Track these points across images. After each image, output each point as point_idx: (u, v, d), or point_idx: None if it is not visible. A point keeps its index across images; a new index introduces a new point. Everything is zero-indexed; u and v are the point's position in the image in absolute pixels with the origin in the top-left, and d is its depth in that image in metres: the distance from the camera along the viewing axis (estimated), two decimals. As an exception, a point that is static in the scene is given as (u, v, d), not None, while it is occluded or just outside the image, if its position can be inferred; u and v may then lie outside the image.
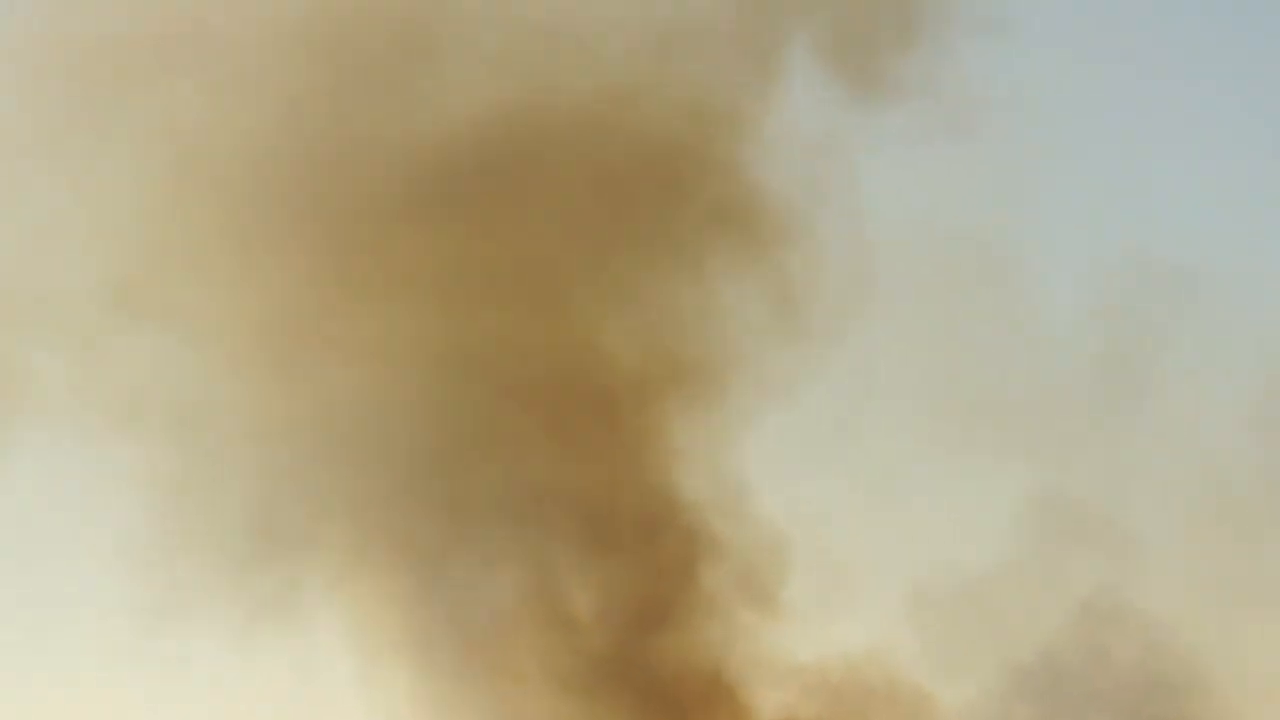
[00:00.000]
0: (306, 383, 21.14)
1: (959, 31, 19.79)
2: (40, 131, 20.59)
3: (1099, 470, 23.74)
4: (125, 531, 20.61)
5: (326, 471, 20.62)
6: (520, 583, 20.60)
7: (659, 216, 21.29)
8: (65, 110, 20.63)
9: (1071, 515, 23.57)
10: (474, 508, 20.83)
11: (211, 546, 20.71)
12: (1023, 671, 23.11)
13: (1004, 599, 23.20)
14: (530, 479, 20.68)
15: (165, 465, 20.73)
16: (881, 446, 21.35)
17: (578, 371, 21.08)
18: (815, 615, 21.24)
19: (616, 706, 21.21)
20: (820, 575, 20.90)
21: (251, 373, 20.86)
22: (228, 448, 21.14)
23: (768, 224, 20.56)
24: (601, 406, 21.14)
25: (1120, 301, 22.61)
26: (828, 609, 21.40)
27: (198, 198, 21.08)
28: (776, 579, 20.79)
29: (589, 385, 21.11)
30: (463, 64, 21.25)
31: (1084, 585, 23.56)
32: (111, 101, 20.32)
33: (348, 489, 20.51)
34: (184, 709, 24.68)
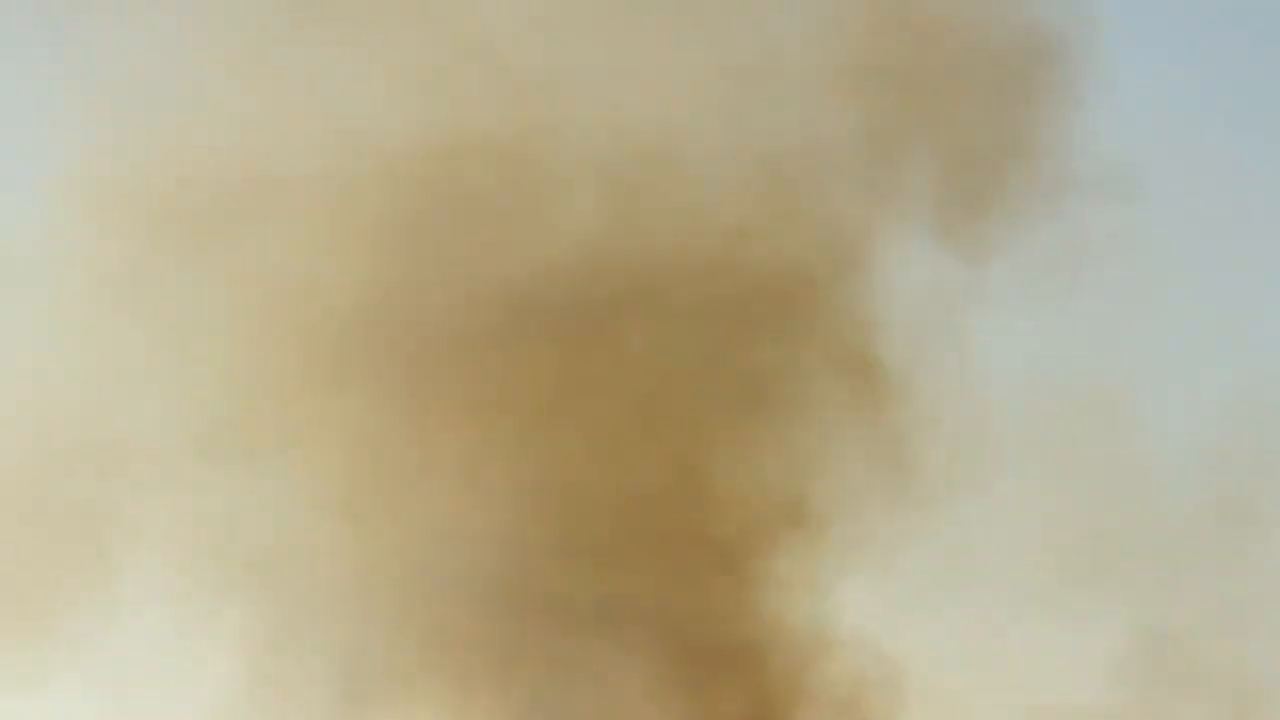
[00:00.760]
0: (402, 522, 21.42)
1: (1076, 188, 20.19)
2: (125, 276, 20.95)
3: (1212, 613, 23.88)
4: (225, 682, 20.76)
5: (424, 611, 20.81)
6: (621, 712, 20.76)
7: (768, 359, 21.46)
8: (151, 254, 20.99)
9: (1184, 659, 23.66)
10: (575, 640, 20.98)
11: (308, 697, 20.90)
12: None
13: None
14: (633, 610, 20.81)
15: (259, 613, 20.97)
16: (993, 593, 21.53)
17: (684, 509, 21.26)
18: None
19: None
20: (925, 714, 21.06)
21: (344, 513, 21.14)
22: (321, 592, 21.37)
23: (882, 376, 20.65)
24: (708, 545, 21.35)
25: (1231, 441, 22.83)
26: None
27: (282, 339, 21.47)
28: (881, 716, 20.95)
29: (694, 523, 21.29)
30: (567, 195, 21.44)
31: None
32: (196, 244, 20.65)
33: (447, 628, 20.63)
34: None
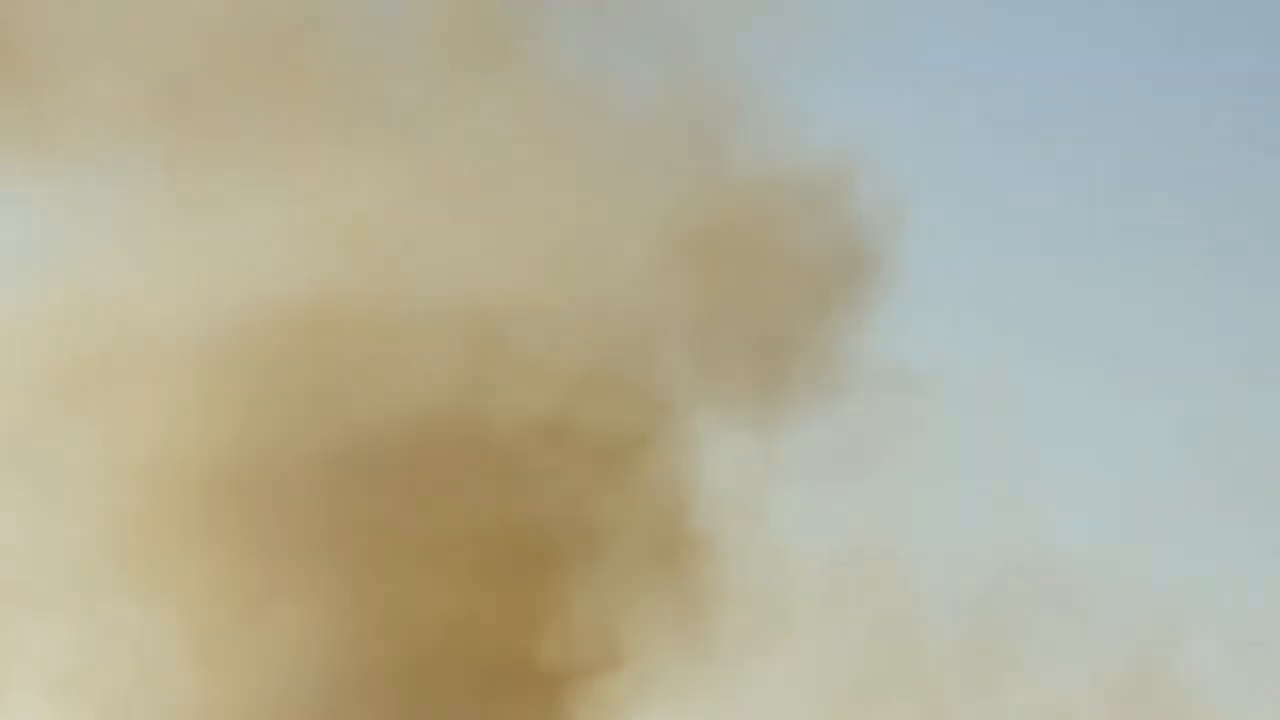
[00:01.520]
0: (251, 653, 23.17)
1: (868, 379, 23.11)
2: (5, 425, 22.48)
3: None
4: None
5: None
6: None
7: (591, 515, 23.73)
8: (28, 405, 22.60)
9: None
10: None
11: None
12: None
13: None
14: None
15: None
16: None
17: (506, 640, 23.58)
18: None
19: None
20: None
21: (200, 646, 22.87)
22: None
23: (689, 539, 23.01)
24: (527, 675, 23.61)
25: (991, 601, 26.19)
26: None
27: (150, 487, 23.14)
28: None
29: (516, 653, 23.57)
30: (414, 358, 23.42)
31: None
32: (70, 397, 22.24)
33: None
34: None
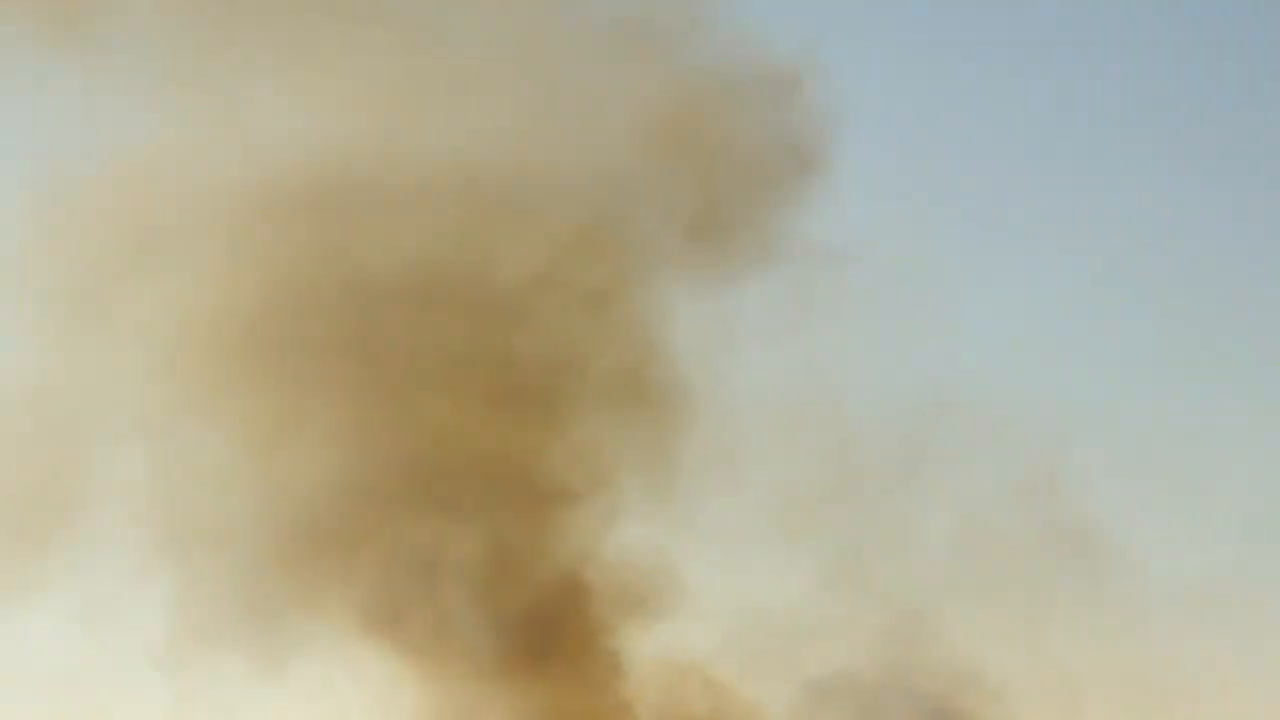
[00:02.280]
0: (287, 474, 26.93)
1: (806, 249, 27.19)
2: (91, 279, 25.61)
3: (885, 541, 32.37)
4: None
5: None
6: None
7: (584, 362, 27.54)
8: (104, 263, 26.06)
9: (861, 576, 32.20)
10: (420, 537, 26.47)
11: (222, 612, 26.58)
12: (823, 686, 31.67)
13: (817, 628, 31.48)
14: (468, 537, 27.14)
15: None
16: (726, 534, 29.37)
17: (509, 469, 27.54)
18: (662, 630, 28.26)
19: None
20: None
21: (258, 462, 26.59)
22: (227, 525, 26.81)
23: (653, 382, 26.85)
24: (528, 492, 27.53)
25: (913, 424, 31.02)
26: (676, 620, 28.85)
27: (201, 337, 26.59)
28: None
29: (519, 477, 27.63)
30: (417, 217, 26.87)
31: (884, 616, 32.10)
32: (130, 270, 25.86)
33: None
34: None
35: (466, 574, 27.46)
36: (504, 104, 26.37)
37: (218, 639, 27.72)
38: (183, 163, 26.82)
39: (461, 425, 28.80)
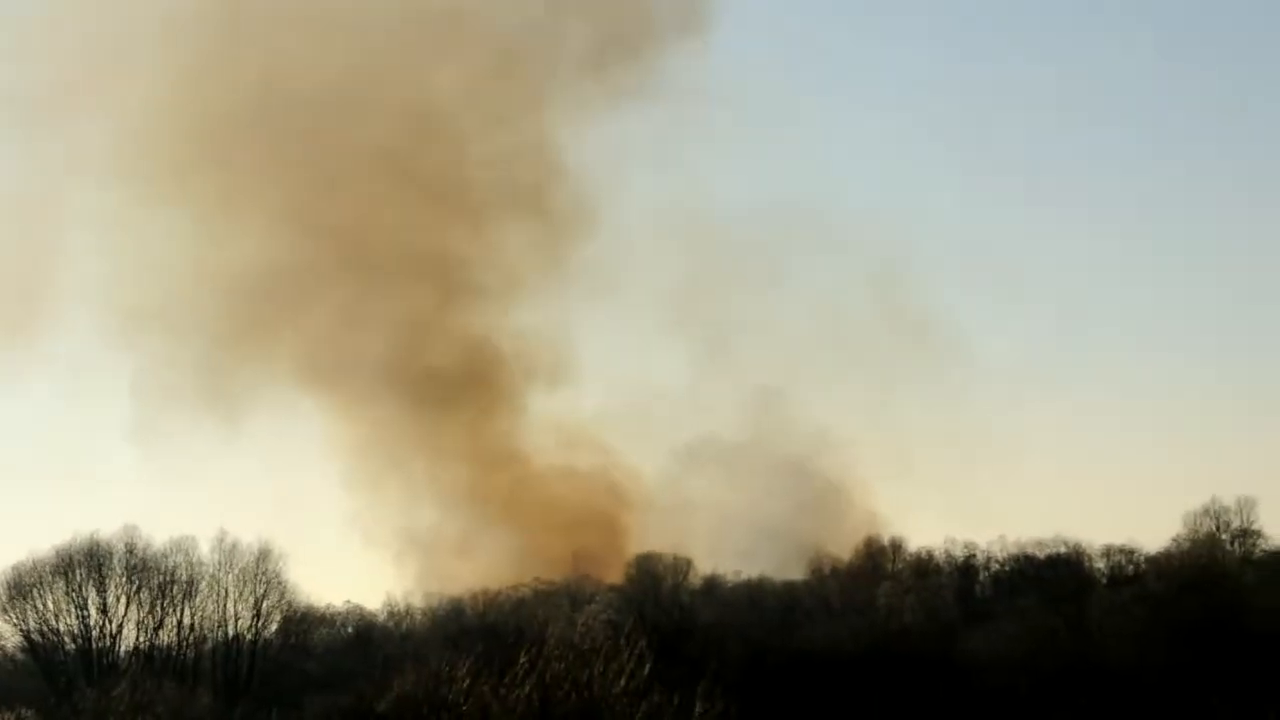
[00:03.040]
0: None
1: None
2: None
3: (759, 313, 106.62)
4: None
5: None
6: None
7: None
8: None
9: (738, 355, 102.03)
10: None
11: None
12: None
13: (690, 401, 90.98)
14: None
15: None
16: (628, 313, 46.03)
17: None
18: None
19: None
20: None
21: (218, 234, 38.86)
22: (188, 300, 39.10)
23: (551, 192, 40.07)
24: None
25: (776, 216, 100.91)
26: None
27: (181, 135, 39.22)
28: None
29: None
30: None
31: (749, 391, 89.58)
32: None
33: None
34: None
35: (390, 335, 39.41)
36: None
37: (179, 406, 38.17)
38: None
39: (390, 216, 42.66)
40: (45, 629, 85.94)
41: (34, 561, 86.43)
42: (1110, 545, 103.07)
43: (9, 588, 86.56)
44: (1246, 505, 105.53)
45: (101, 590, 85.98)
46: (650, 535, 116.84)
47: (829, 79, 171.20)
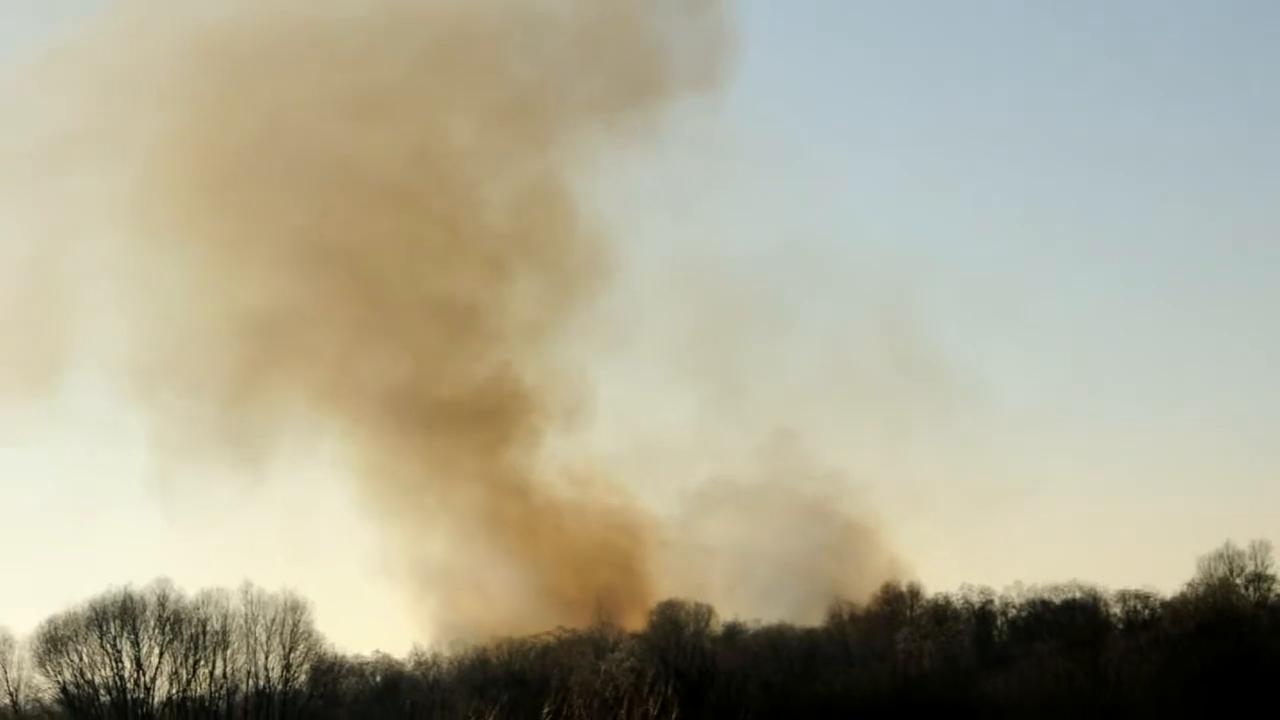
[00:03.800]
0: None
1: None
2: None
3: (763, 361, 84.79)
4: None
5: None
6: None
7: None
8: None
9: (733, 379, 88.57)
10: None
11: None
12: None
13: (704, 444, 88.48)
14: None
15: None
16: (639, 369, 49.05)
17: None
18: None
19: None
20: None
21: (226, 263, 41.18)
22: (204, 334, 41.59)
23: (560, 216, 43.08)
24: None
25: (777, 260, 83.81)
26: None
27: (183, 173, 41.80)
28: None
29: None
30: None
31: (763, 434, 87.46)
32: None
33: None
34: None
35: (401, 375, 41.92)
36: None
37: (198, 456, 40.09)
38: (146, 20, 42.08)
39: (402, 260, 44.91)
40: (81, 681, 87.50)
41: (69, 614, 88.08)
42: (1125, 590, 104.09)
43: (45, 641, 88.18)
44: (1261, 549, 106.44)
45: (135, 642, 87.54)
46: (667, 576, 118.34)
47: (837, 124, 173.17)
